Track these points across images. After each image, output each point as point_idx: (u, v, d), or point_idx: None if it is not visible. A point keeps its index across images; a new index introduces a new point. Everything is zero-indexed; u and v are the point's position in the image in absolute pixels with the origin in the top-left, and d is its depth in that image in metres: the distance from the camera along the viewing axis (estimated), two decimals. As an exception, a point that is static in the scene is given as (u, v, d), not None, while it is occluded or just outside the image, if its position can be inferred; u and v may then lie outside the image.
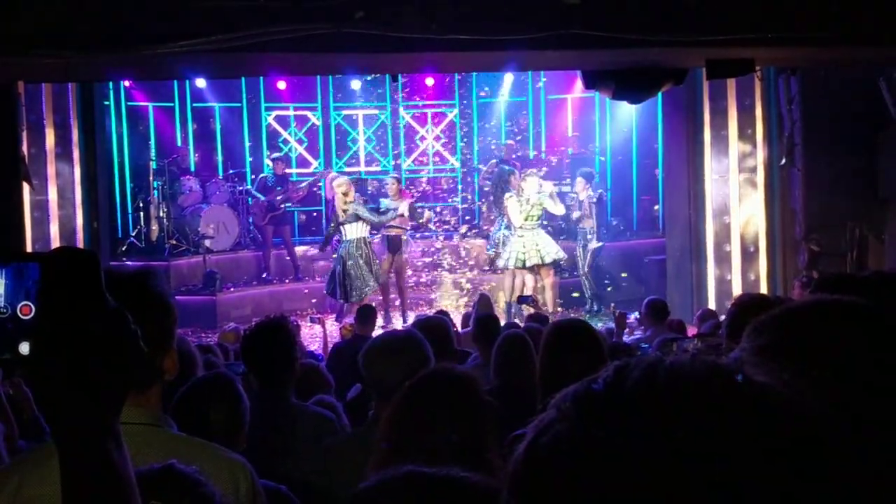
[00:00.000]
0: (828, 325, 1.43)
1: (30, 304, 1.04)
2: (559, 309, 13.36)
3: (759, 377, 0.82)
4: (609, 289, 14.57)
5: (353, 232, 12.93)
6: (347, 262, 12.85)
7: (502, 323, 8.18)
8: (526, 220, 13.09)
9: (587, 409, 0.81)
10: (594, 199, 14.04)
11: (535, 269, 13.26)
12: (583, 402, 0.82)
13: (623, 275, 14.97)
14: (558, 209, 13.43)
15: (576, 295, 14.41)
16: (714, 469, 0.74)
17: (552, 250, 13.20)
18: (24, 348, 1.03)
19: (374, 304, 11.09)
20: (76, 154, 12.13)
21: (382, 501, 1.60)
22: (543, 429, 0.83)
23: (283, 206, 15.44)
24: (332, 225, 13.45)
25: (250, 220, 15.94)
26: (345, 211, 12.85)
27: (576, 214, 14.18)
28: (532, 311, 10.38)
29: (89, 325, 1.01)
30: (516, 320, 11.29)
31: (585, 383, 0.84)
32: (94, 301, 1.03)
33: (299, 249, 15.85)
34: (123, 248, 15.33)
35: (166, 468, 1.76)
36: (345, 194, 12.89)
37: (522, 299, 11.83)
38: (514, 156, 16.02)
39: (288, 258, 15.59)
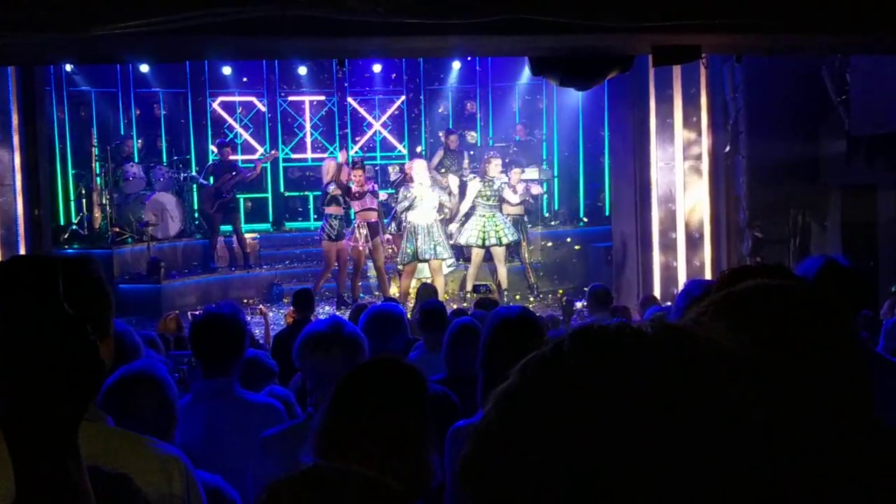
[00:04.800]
0: (780, 306, 1.44)
1: None
2: (506, 294, 13.39)
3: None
4: (556, 278, 14.62)
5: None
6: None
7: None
8: (479, 197, 13.30)
9: (537, 382, 0.80)
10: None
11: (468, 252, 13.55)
12: (535, 370, 0.81)
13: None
14: (513, 199, 13.69)
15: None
16: (665, 433, 0.74)
17: (509, 233, 13.44)
18: None
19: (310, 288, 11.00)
20: (16, 140, 11.85)
21: (286, 496, 1.60)
22: (493, 418, 0.82)
23: (232, 191, 15.19)
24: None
25: (195, 206, 15.73)
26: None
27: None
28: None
29: (48, 336, 0.99)
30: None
31: (535, 356, 0.83)
32: (53, 310, 1.01)
33: (246, 237, 15.64)
34: (66, 236, 15.09)
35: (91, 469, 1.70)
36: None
37: (477, 288, 11.89)
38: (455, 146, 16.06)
39: (236, 246, 15.35)
